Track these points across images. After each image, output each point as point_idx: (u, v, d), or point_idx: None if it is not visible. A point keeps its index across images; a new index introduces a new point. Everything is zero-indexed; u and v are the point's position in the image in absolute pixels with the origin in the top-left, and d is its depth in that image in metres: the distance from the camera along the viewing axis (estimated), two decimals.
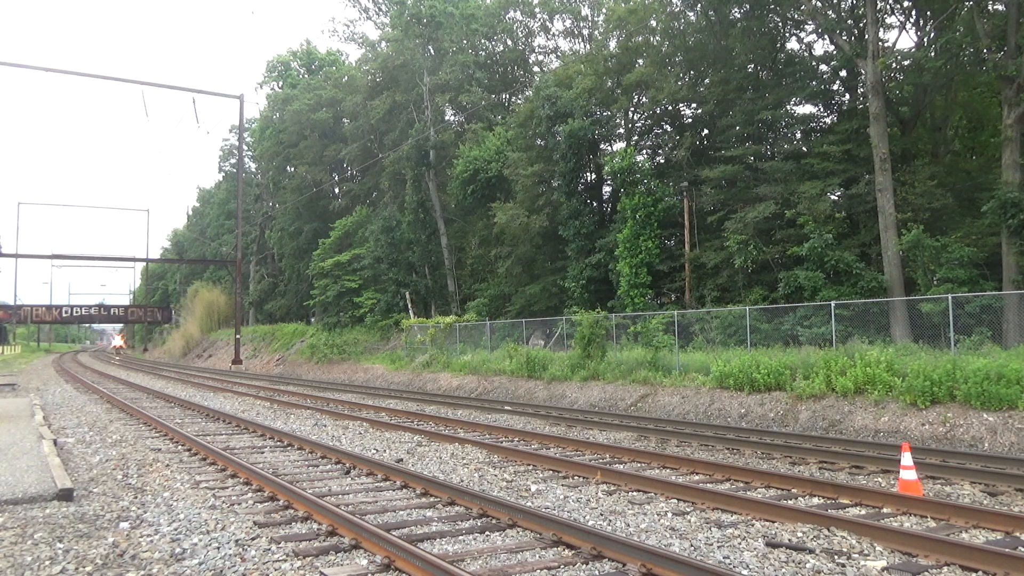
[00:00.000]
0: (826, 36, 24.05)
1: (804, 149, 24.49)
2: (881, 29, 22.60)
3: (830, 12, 22.86)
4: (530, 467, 10.20)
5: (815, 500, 8.04)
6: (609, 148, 31.47)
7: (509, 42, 41.83)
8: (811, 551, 6.02)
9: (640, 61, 29.18)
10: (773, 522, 6.95)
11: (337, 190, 54.54)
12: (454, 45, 39.91)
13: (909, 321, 18.11)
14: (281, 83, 62.86)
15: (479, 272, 37.23)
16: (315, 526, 7.04)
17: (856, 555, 5.95)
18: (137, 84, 38.18)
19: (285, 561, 5.91)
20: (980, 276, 18.21)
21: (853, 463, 9.94)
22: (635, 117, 31.55)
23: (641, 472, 9.45)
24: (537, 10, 39.66)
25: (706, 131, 28.64)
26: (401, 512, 7.62)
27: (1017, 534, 6.54)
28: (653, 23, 29.03)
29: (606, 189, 31.14)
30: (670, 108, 29.26)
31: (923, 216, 19.99)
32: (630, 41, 29.96)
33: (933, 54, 20.44)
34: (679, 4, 28.29)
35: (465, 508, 7.69)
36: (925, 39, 22.35)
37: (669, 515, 7.32)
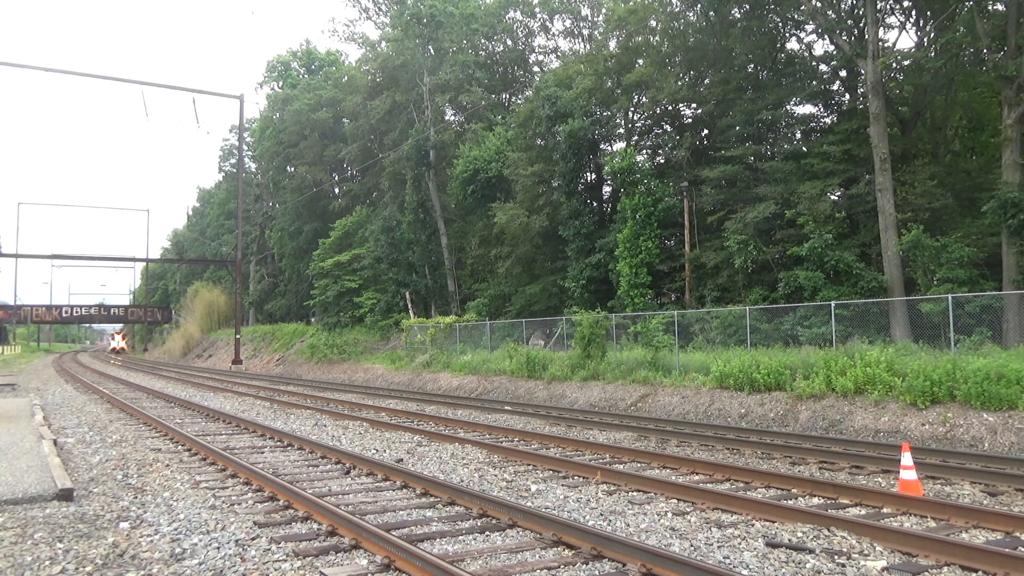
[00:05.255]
0: (826, 36, 24.04)
1: (804, 149, 24.48)
2: (881, 29, 22.62)
3: (830, 12, 22.85)
4: (530, 467, 10.19)
5: (815, 500, 8.04)
6: (609, 148, 31.47)
7: (509, 42, 41.84)
8: (811, 551, 6.01)
9: (640, 61, 29.17)
10: (773, 522, 6.95)
11: (337, 190, 54.55)
12: (454, 45, 39.92)
13: (909, 321, 18.11)
14: (281, 83, 62.89)
15: (479, 272, 37.23)
16: (315, 526, 7.03)
17: (856, 555, 5.94)
18: (137, 84, 38.22)
19: (285, 561, 5.91)
20: (980, 276, 18.20)
21: (853, 463, 9.94)
22: (635, 117, 31.55)
23: (641, 472, 9.45)
24: (537, 10, 39.66)
25: (706, 131, 28.63)
26: (401, 512, 7.62)
27: (1017, 534, 6.54)
28: (653, 23, 29.03)
29: (606, 189, 31.15)
30: (670, 108, 29.25)
31: (923, 216, 19.98)
32: (630, 41, 29.95)
33: (933, 54, 20.43)
34: (679, 4, 28.29)
35: (465, 508, 7.68)
36: (925, 39, 22.35)
37: (669, 515, 7.32)
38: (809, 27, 25.26)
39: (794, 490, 8.45)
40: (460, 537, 6.63)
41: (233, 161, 72.54)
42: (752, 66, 26.53)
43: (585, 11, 38.20)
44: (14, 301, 78.28)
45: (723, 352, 18.31)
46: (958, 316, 15.45)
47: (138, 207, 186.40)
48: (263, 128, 61.31)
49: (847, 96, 25.03)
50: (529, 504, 7.70)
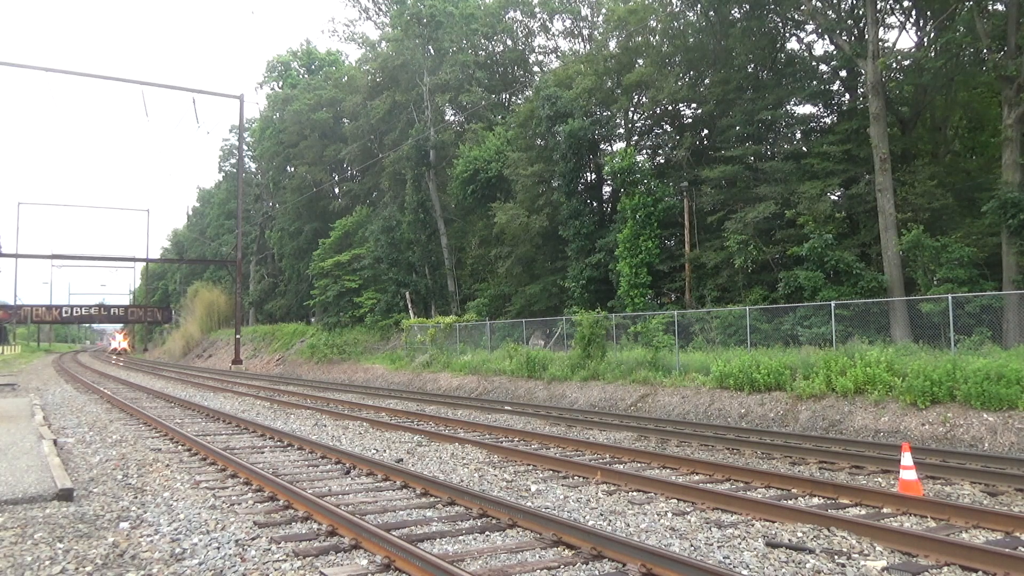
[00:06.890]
0: (826, 36, 24.04)
1: (804, 149, 24.47)
2: (881, 29, 22.61)
3: (830, 12, 22.86)
4: (530, 467, 10.19)
5: (815, 500, 8.04)
6: (609, 148, 31.47)
7: (509, 42, 41.84)
8: (811, 551, 6.01)
9: (640, 61, 29.17)
10: (773, 522, 6.95)
11: (337, 190, 54.57)
12: (454, 45, 39.93)
13: (909, 321, 18.11)
14: (281, 83, 62.92)
15: (479, 272, 37.23)
16: (315, 526, 7.03)
17: (856, 555, 5.94)
18: (137, 84, 38.28)
19: (285, 561, 5.91)
20: (980, 276, 18.20)
21: (853, 463, 9.94)
22: (635, 117, 31.54)
23: (641, 472, 9.45)
24: (537, 10, 39.66)
25: (706, 131, 28.63)
26: (401, 512, 7.62)
27: (1017, 534, 6.54)
28: (653, 23, 29.02)
29: (606, 189, 31.16)
30: (670, 108, 29.24)
31: (923, 216, 19.98)
32: (630, 41, 29.95)
33: (933, 54, 20.43)
34: (679, 4, 28.29)
35: (465, 508, 7.68)
36: (925, 39, 22.35)
37: (669, 515, 7.32)
38: (809, 27, 25.25)
39: (794, 490, 8.45)
40: (460, 537, 6.63)
41: (233, 161, 72.55)
42: (752, 66, 26.52)
43: (585, 11, 38.21)
44: (14, 301, 78.28)
45: (723, 352, 18.31)
46: (958, 316, 15.45)
47: (138, 207, 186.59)
48: (263, 128, 61.32)
49: (847, 96, 25.02)
50: (529, 504, 7.70)
